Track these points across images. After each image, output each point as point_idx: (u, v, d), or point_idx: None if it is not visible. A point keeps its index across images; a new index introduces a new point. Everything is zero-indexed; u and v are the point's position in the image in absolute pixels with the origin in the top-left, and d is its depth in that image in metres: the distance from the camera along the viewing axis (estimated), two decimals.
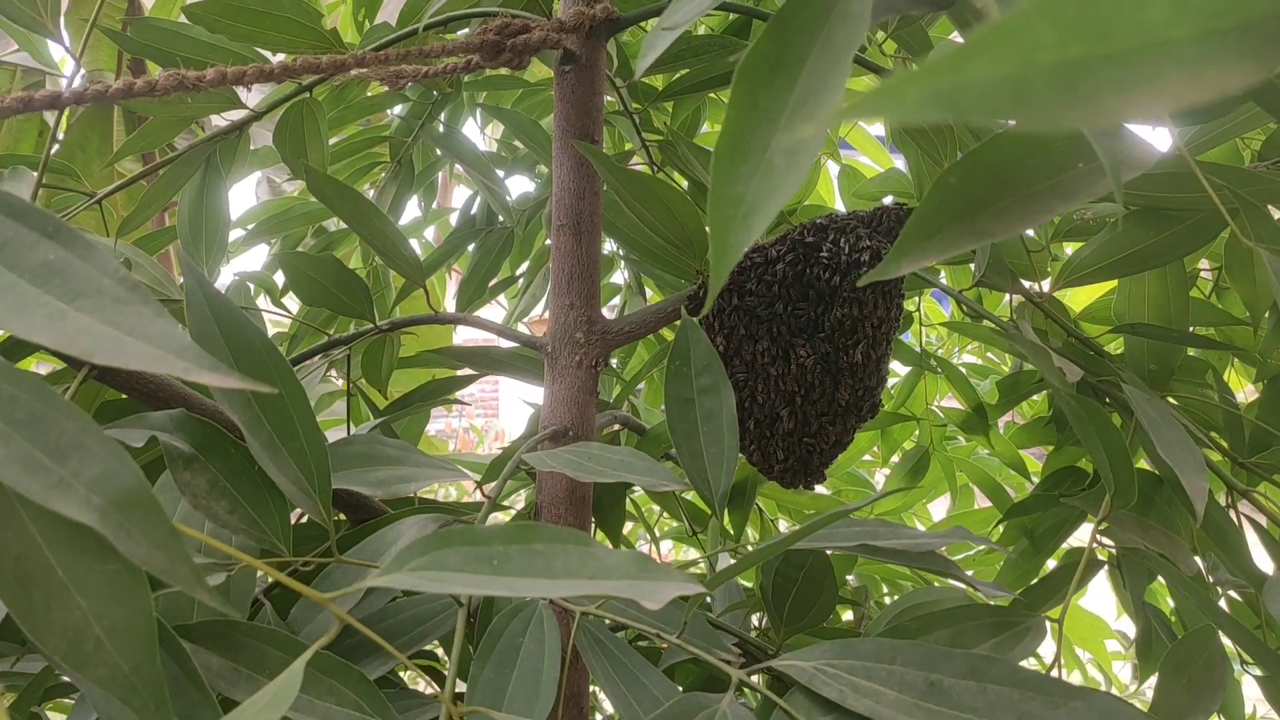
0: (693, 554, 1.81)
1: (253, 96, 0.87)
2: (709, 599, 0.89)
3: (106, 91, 0.48)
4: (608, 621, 0.59)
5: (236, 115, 0.82)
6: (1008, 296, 0.93)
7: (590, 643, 0.53)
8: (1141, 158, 0.40)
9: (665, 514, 1.33)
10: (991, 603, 0.53)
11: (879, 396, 0.75)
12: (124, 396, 0.56)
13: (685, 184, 1.04)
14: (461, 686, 0.51)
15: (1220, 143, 0.77)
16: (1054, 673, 0.50)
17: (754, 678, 0.46)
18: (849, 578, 1.17)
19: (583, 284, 0.75)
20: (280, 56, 0.83)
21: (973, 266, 0.72)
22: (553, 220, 0.76)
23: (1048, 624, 0.49)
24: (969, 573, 0.66)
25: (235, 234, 1.12)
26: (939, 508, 1.49)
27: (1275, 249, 0.39)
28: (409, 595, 0.61)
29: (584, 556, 0.37)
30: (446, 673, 0.47)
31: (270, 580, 0.60)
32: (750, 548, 0.96)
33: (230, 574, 0.45)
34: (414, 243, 1.52)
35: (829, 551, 0.61)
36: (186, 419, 0.46)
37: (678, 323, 0.66)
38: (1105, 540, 0.70)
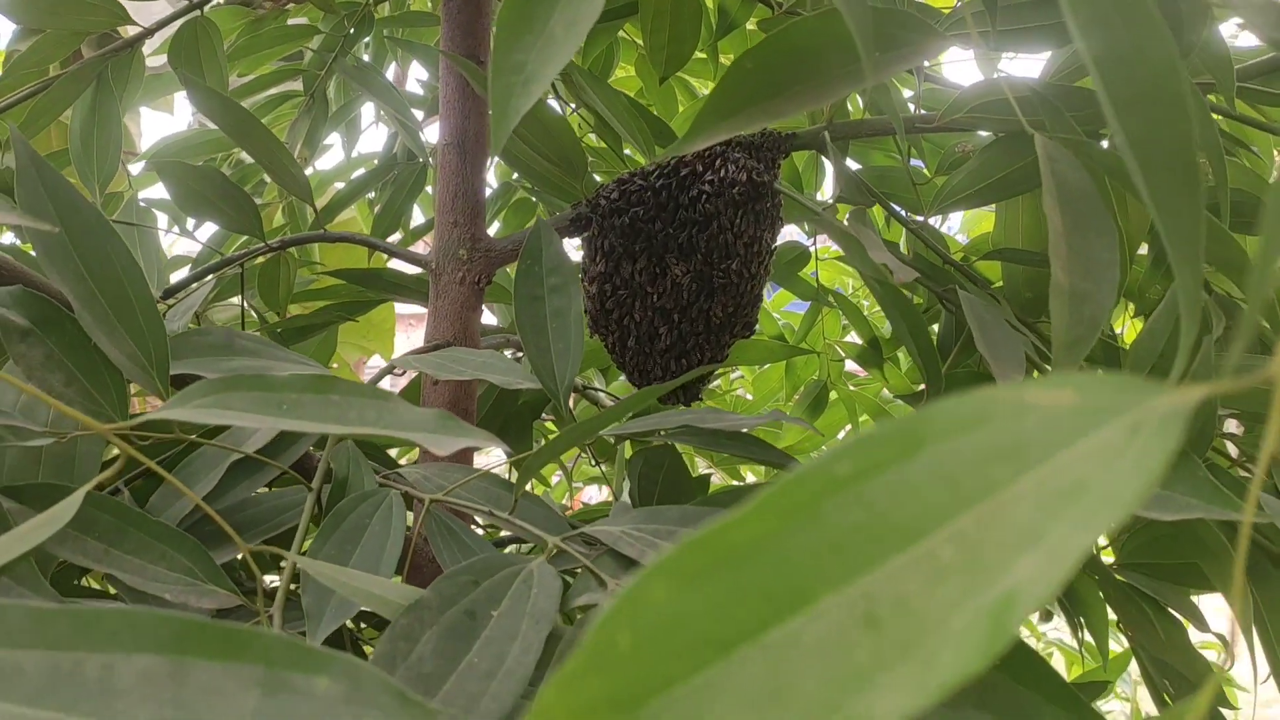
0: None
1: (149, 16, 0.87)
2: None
3: None
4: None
5: (134, 32, 0.83)
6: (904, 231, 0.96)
7: (437, 527, 0.55)
8: (926, 46, 0.42)
9: (584, 458, 1.35)
10: None
11: (754, 316, 0.77)
12: None
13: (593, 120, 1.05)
14: None
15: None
16: None
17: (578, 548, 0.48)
18: None
19: (466, 202, 0.76)
20: None
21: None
22: (439, 139, 0.77)
23: None
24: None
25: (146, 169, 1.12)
26: None
27: (1054, 135, 0.41)
28: (271, 489, 0.63)
29: (380, 409, 0.39)
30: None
31: (136, 471, 0.61)
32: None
33: (60, 441, 0.47)
34: (341, 185, 1.52)
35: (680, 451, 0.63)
36: (24, 294, 0.47)
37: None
38: None
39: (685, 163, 0.73)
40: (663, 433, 0.54)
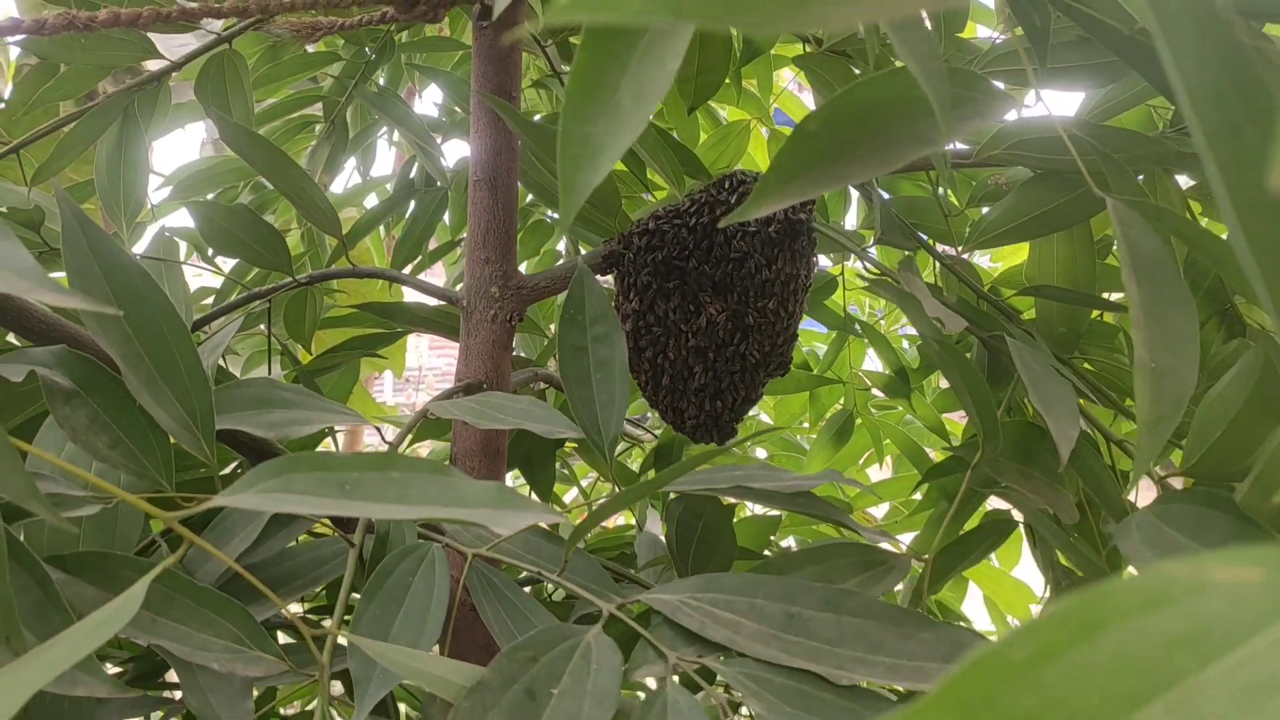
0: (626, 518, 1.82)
1: (183, 47, 0.86)
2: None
3: None
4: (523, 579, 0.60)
5: (160, 65, 0.82)
6: (934, 263, 0.95)
7: (481, 583, 0.54)
8: (996, 106, 0.41)
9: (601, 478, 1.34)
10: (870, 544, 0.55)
11: (789, 354, 0.76)
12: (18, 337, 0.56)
13: None
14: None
15: (1128, 107, 0.78)
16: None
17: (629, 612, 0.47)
18: (789, 542, 1.20)
19: (498, 239, 0.75)
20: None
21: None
22: (470, 176, 0.76)
23: (911, 561, 0.50)
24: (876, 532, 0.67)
25: (170, 194, 1.12)
26: (885, 473, 1.52)
27: (1126, 198, 0.40)
28: (309, 539, 0.62)
29: (441, 485, 0.38)
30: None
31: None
32: None
33: (106, 506, 0.46)
34: (353, 210, 1.51)
35: (722, 502, 0.62)
36: (67, 354, 0.46)
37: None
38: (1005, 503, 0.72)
39: (720, 200, 0.72)
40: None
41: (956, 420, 1.08)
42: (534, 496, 1.04)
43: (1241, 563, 0.16)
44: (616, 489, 1.05)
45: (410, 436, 0.69)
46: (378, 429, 0.70)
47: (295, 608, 0.75)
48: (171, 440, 0.47)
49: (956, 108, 0.43)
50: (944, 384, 1.14)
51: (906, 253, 0.67)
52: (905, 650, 0.42)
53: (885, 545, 0.58)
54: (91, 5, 0.68)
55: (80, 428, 0.45)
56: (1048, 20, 0.51)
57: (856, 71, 0.86)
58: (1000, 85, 0.58)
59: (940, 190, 0.94)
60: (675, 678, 0.42)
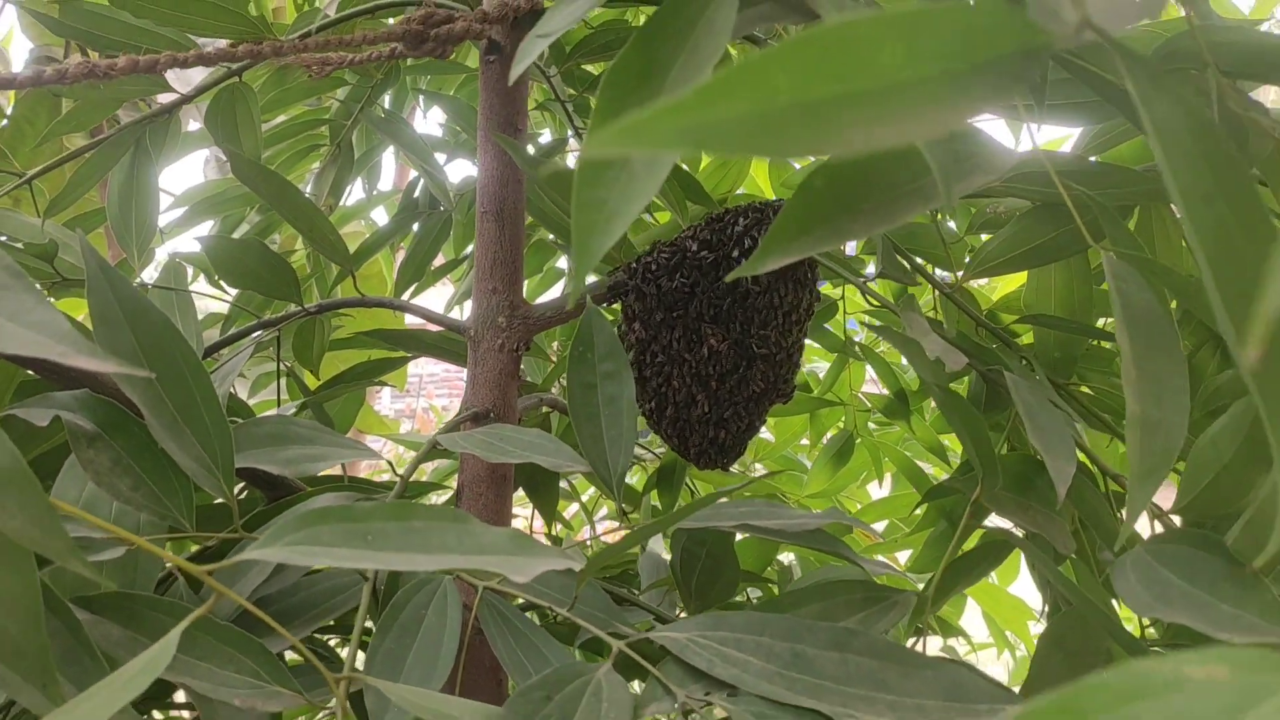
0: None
1: (188, 78, 0.88)
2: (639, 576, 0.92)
3: (15, 80, 0.49)
4: (520, 602, 0.61)
5: (170, 98, 0.83)
6: (933, 290, 0.97)
7: (492, 615, 0.55)
8: (996, 162, 0.43)
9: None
10: (876, 579, 0.56)
11: (792, 382, 0.78)
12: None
13: None
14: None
15: (1130, 137, 0.80)
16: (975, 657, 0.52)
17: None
18: (790, 557, 1.21)
19: (505, 269, 0.77)
20: (219, 43, 0.84)
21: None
22: (477, 207, 0.78)
23: (914, 597, 0.52)
24: (876, 556, 0.68)
25: (177, 214, 1.13)
26: (885, 489, 1.53)
27: (1117, 249, 0.42)
28: (318, 572, 0.63)
29: (460, 534, 0.39)
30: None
31: (189, 555, 0.62)
32: None
33: (129, 549, 0.47)
34: (359, 224, 1.53)
35: (726, 531, 0.63)
36: (90, 398, 0.48)
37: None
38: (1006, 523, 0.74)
39: (726, 238, 0.74)
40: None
41: (957, 439, 1.10)
42: (539, 515, 1.05)
43: (1212, 661, 0.17)
44: (623, 517, 1.07)
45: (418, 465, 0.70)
46: (389, 463, 0.71)
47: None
48: (190, 480, 0.49)
49: (958, 163, 0.44)
50: None
51: (907, 288, 0.69)
52: (907, 688, 0.43)
53: (885, 568, 0.59)
54: (122, 46, 0.70)
55: (104, 470, 0.47)
56: (1045, 70, 0.53)
57: None
58: (999, 120, 0.59)
59: (942, 217, 0.96)
60: (684, 715, 0.43)
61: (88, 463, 0.46)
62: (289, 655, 0.67)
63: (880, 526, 1.32)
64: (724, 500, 0.56)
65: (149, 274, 0.95)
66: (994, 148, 0.43)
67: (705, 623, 0.46)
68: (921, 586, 0.68)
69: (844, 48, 0.20)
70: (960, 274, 0.79)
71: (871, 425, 1.25)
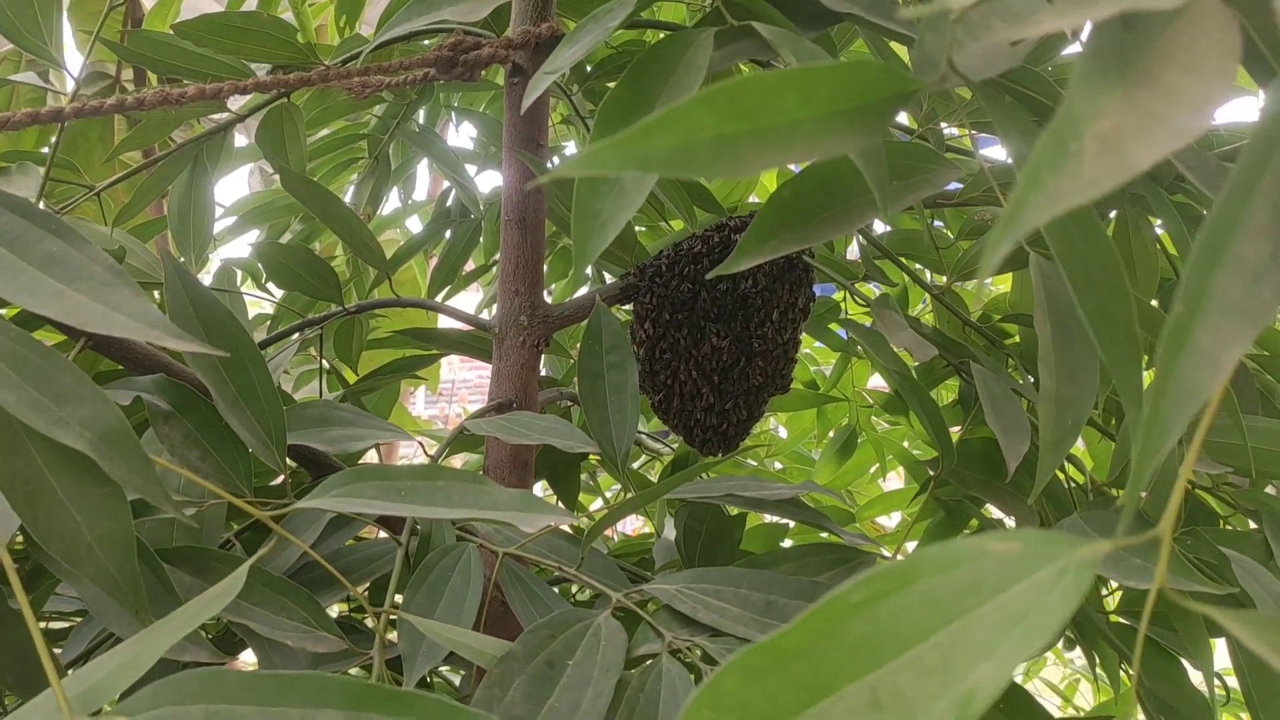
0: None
1: (238, 99, 0.96)
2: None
3: (102, 107, 0.57)
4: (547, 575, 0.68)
5: (223, 116, 0.92)
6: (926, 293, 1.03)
7: (510, 577, 0.62)
8: (940, 177, 0.49)
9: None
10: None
11: (789, 375, 0.84)
12: (117, 366, 0.65)
13: None
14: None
15: None
16: None
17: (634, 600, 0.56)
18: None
19: (527, 273, 0.84)
20: (266, 68, 0.93)
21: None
22: (501, 216, 0.85)
23: (876, 559, 0.58)
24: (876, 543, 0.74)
25: (226, 221, 1.22)
26: (894, 484, 1.59)
27: (1044, 251, 0.48)
28: (360, 540, 0.71)
29: (478, 492, 0.46)
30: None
31: (243, 526, 0.69)
32: None
33: (199, 509, 0.55)
34: (394, 231, 1.61)
35: (724, 509, 0.70)
36: (165, 382, 0.55)
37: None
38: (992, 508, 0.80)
39: (729, 240, 0.81)
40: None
41: (956, 434, 1.16)
42: (560, 504, 1.12)
43: (1012, 539, 0.24)
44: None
45: (448, 449, 0.77)
46: (420, 443, 0.79)
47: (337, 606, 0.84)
48: (250, 452, 0.56)
49: (909, 178, 0.51)
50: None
51: (884, 289, 0.75)
52: None
53: (861, 539, 0.66)
54: (183, 71, 0.78)
55: (177, 443, 0.54)
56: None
57: None
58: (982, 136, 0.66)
59: (936, 223, 1.02)
60: (671, 653, 0.50)
61: (164, 436, 0.54)
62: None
63: (888, 522, 1.38)
64: (713, 478, 0.63)
65: (203, 279, 1.03)
66: (944, 164, 0.50)
67: (691, 576, 0.53)
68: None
69: (754, 95, 0.27)
70: (946, 278, 0.86)
71: (884, 424, 1.31)
